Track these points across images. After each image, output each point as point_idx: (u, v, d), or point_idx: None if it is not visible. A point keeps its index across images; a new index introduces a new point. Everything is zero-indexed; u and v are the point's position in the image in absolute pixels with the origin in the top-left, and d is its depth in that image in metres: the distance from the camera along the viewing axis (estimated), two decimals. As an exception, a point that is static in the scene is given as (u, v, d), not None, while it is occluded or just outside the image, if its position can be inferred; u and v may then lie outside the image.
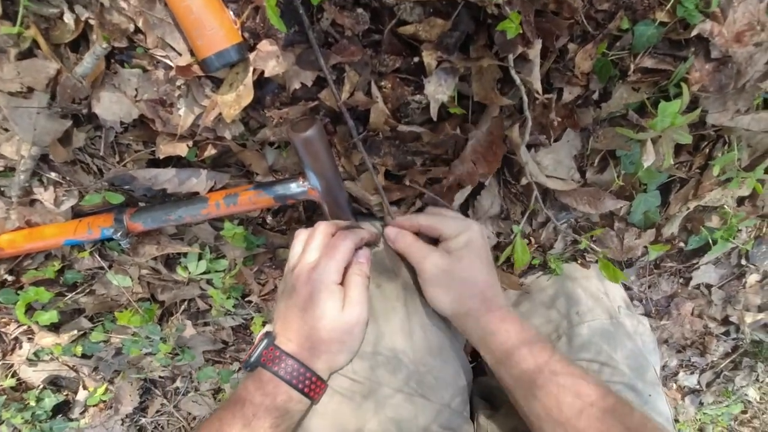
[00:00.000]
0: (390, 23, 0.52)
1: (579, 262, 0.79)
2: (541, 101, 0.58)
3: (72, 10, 0.50)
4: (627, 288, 0.87)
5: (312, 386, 0.51)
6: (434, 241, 0.60)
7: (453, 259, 0.55)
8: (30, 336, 0.78)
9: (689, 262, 0.84)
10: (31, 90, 0.51)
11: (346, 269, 0.55)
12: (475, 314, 0.55)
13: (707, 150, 0.68)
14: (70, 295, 0.73)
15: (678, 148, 0.68)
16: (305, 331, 0.51)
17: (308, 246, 0.56)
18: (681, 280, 0.88)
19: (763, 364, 1.08)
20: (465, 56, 0.53)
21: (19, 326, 0.74)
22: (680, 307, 0.90)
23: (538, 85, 0.53)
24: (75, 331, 0.75)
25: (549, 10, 0.53)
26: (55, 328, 0.76)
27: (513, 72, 0.51)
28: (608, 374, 0.65)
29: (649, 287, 0.88)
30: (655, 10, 0.54)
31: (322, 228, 0.57)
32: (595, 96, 0.59)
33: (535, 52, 0.52)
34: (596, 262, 0.81)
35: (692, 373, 1.05)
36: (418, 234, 0.60)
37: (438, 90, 0.54)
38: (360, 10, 0.51)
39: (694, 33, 0.53)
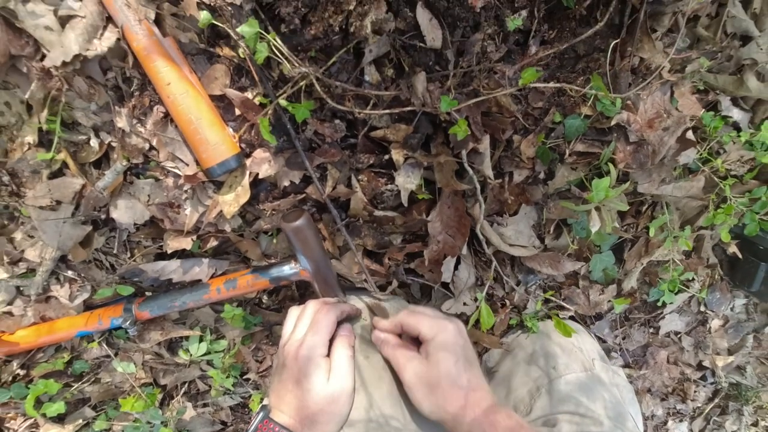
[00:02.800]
0: (363, 129, 0.63)
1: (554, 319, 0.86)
2: (496, 184, 0.68)
3: (97, 135, 0.60)
4: (602, 341, 0.93)
5: None
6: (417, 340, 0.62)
7: (431, 365, 0.56)
8: (34, 429, 0.80)
9: (655, 313, 0.91)
10: (59, 203, 0.60)
11: (332, 341, 0.60)
12: (460, 418, 0.54)
13: (649, 212, 0.78)
14: (76, 385, 0.76)
15: (623, 213, 0.78)
16: (296, 403, 0.55)
17: (298, 323, 0.61)
18: (651, 330, 0.94)
19: (748, 407, 1.12)
20: (427, 153, 0.64)
21: (25, 420, 0.76)
22: (655, 355, 0.96)
23: (489, 173, 0.63)
24: (80, 421, 0.78)
25: (493, 111, 0.64)
26: (59, 419, 0.78)
27: (466, 165, 0.61)
28: (588, 425, 0.70)
29: (624, 339, 0.94)
30: (580, 106, 0.66)
31: (311, 306, 0.63)
32: (542, 176, 0.69)
33: (484, 146, 0.62)
34: (570, 318, 0.87)
35: (681, 420, 1.08)
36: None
37: (407, 180, 0.63)
38: (337, 121, 0.62)
39: (613, 122, 0.64)
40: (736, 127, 0.69)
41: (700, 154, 0.66)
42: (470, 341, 0.61)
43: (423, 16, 0.56)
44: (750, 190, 0.67)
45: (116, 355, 0.76)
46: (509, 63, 0.63)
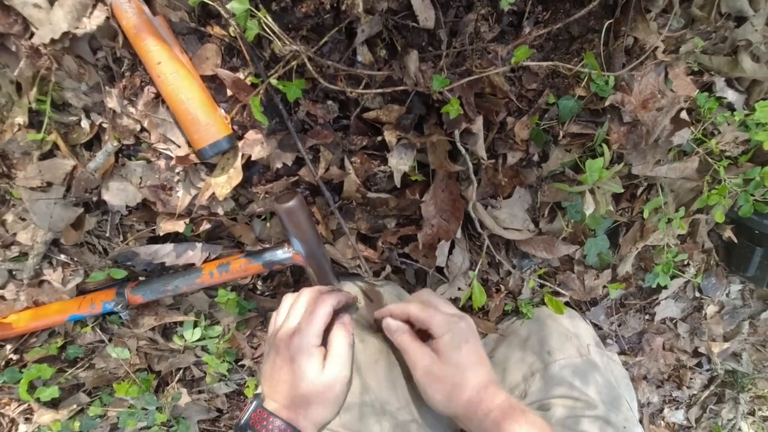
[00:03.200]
0: (356, 111, 0.63)
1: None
2: (490, 165, 0.68)
3: (88, 116, 0.59)
4: (598, 327, 0.93)
5: None
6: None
7: (443, 362, 0.56)
8: (27, 416, 0.80)
9: (650, 298, 0.91)
10: (50, 184, 0.59)
11: (330, 328, 0.58)
12: (475, 416, 0.54)
13: (645, 196, 0.78)
14: (70, 371, 0.76)
15: (618, 197, 0.77)
16: (290, 392, 0.54)
17: (291, 311, 0.58)
18: (647, 316, 0.94)
19: (744, 395, 1.12)
20: (420, 133, 0.63)
21: (19, 405, 0.76)
22: (651, 342, 0.96)
23: (482, 153, 0.63)
24: (74, 406, 0.78)
25: (486, 92, 0.64)
26: (53, 404, 0.78)
27: (459, 144, 0.60)
28: (582, 408, 0.70)
29: (619, 325, 0.94)
30: (574, 87, 0.65)
31: (306, 294, 0.60)
32: (536, 158, 0.69)
33: (477, 127, 0.62)
34: (565, 304, 0.87)
35: (677, 408, 1.08)
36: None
37: (400, 162, 0.63)
38: (330, 102, 0.62)
39: (607, 103, 0.64)
40: (731, 108, 0.68)
41: (695, 136, 0.66)
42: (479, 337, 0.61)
43: (415, -6, 0.56)
44: (745, 172, 0.67)
45: (110, 340, 0.76)
46: (503, 43, 0.62)
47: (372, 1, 0.55)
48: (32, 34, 0.53)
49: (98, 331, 0.75)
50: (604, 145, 0.63)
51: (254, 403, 0.55)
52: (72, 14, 0.52)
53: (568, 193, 0.69)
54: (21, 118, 0.58)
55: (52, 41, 0.52)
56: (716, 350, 0.95)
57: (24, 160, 0.59)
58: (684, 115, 0.63)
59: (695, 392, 1.06)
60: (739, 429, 1.23)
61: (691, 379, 1.01)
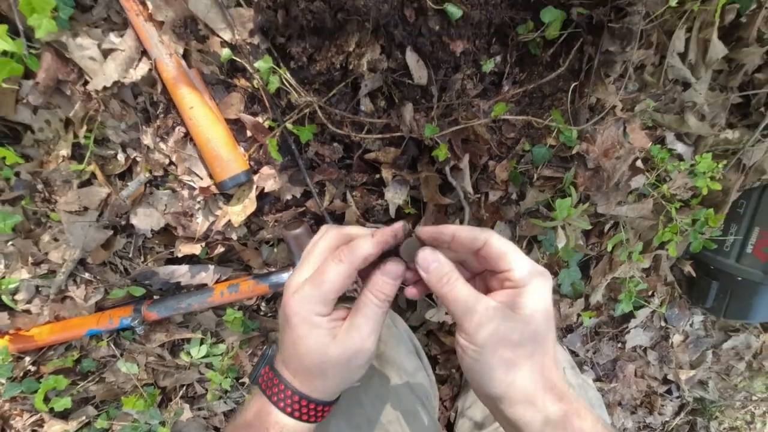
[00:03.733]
0: (358, 152, 0.72)
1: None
2: (475, 200, 0.77)
3: (124, 150, 0.68)
4: (575, 354, 1.00)
5: (304, 411, 0.45)
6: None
7: (523, 320, 0.39)
8: (35, 428, 0.84)
9: (621, 327, 0.99)
10: (86, 209, 0.67)
11: (366, 282, 0.45)
12: (546, 405, 0.39)
13: (611, 233, 0.88)
14: (82, 383, 0.81)
15: (588, 233, 0.87)
16: (294, 359, 0.45)
17: (306, 257, 0.45)
18: (619, 344, 1.02)
19: (715, 423, 1.18)
20: (412, 171, 0.73)
21: (31, 416, 0.80)
22: (624, 369, 1.03)
23: (469, 188, 0.72)
24: (83, 418, 0.82)
25: (471, 139, 0.74)
26: (63, 416, 0.82)
27: (449, 177, 0.70)
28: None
29: (594, 352, 1.02)
30: (546, 137, 0.76)
31: (326, 238, 0.46)
32: (514, 196, 0.78)
33: (464, 164, 0.72)
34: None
35: (651, 435, 1.14)
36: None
37: (395, 195, 0.72)
38: (336, 144, 0.71)
39: (574, 151, 0.74)
40: (680, 158, 0.79)
41: (650, 181, 0.76)
42: None
43: (411, 57, 0.67)
44: (694, 212, 0.77)
45: (122, 355, 0.82)
46: (485, 99, 0.73)
47: (374, 61, 0.65)
48: (86, 82, 0.62)
49: (112, 345, 0.80)
50: (572, 187, 0.72)
51: (267, 357, 0.49)
52: (122, 66, 0.62)
53: (543, 228, 0.78)
54: (65, 151, 0.66)
55: (104, 88, 0.61)
56: (684, 377, 1.02)
57: (64, 187, 0.67)
58: (639, 163, 0.74)
59: (667, 419, 1.12)
60: (714, 460, 1.29)
61: (662, 405, 1.08)
